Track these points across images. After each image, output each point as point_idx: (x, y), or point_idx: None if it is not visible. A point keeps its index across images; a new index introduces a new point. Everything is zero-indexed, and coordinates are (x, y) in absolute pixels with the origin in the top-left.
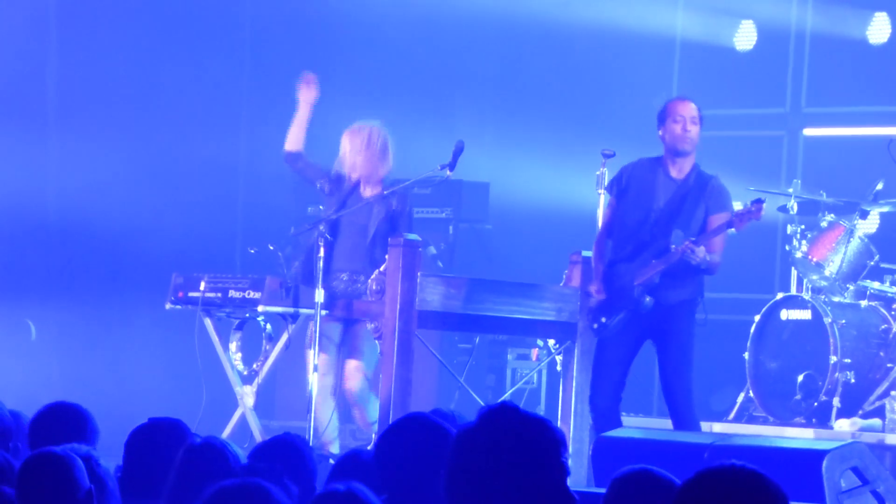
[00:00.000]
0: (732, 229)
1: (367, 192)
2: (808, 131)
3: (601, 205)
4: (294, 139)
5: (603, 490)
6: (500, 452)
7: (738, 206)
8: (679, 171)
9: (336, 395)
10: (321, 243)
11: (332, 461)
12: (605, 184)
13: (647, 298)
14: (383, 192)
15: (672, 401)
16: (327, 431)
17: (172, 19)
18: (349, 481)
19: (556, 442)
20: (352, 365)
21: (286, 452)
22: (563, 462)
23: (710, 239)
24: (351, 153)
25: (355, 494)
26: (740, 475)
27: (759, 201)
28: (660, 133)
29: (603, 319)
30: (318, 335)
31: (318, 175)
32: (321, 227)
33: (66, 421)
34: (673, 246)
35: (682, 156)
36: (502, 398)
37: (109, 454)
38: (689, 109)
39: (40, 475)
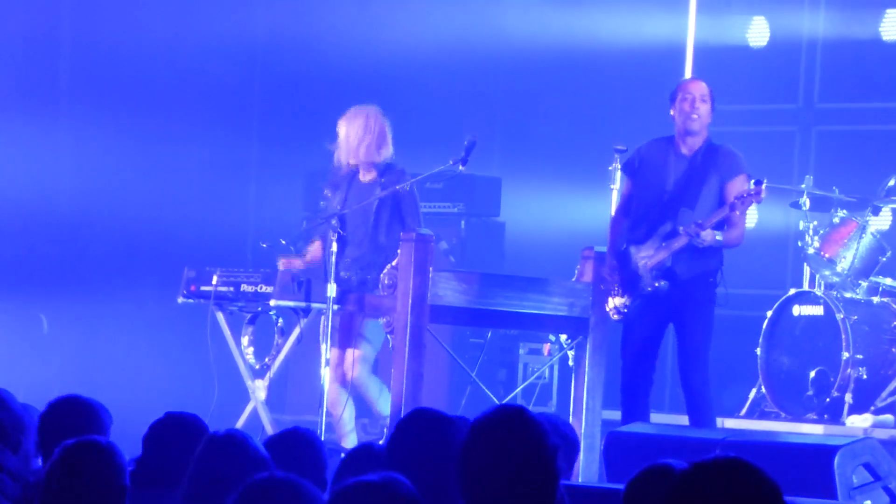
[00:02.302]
0: (737, 212)
1: (367, 178)
2: (821, 127)
3: (614, 200)
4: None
5: (615, 486)
6: (503, 450)
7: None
8: (689, 148)
9: (349, 388)
10: (333, 237)
11: (343, 456)
12: (618, 180)
13: (662, 283)
14: (385, 179)
15: (687, 380)
16: (342, 424)
17: (186, 12)
18: (386, 472)
19: (550, 448)
20: (351, 354)
21: (297, 445)
22: (557, 468)
23: (712, 222)
24: (348, 139)
25: (392, 484)
26: (733, 467)
27: (759, 182)
28: (671, 113)
29: (623, 307)
30: (329, 329)
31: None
32: (333, 222)
33: (76, 414)
34: (680, 228)
35: (691, 135)
36: (513, 393)
37: (124, 449)
38: (699, 88)
39: (81, 462)
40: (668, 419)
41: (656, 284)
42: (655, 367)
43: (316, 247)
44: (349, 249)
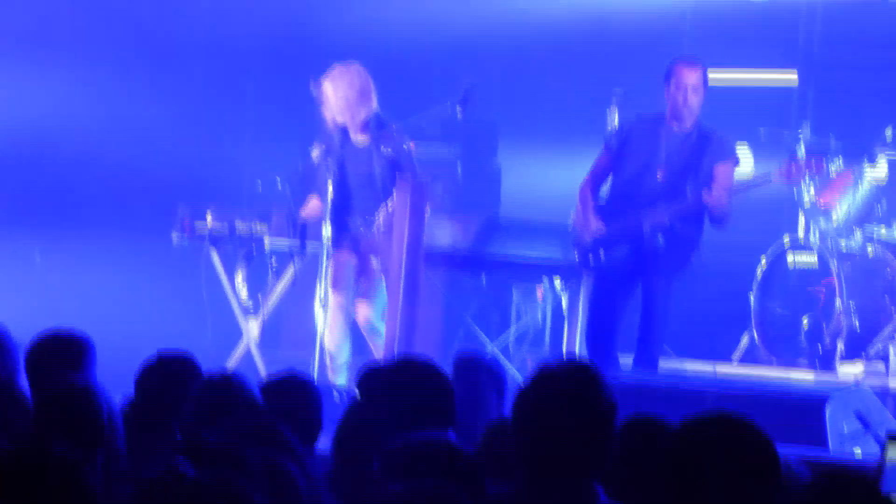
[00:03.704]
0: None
1: (359, 138)
2: (819, 74)
3: None
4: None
5: None
6: (568, 402)
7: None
8: (681, 128)
9: (347, 329)
10: (330, 178)
11: (336, 394)
12: (616, 122)
13: (659, 236)
14: (377, 136)
15: (641, 326)
16: (335, 364)
17: None
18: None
19: (613, 410)
20: (362, 304)
21: (294, 389)
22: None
23: (742, 188)
24: (334, 98)
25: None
26: (725, 422)
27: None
28: (665, 91)
29: (601, 252)
30: (325, 270)
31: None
32: (328, 162)
33: (64, 348)
34: (704, 192)
35: (680, 121)
36: (506, 336)
37: (115, 385)
38: (693, 77)
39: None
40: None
41: (657, 238)
42: (623, 318)
43: (313, 203)
44: (356, 202)
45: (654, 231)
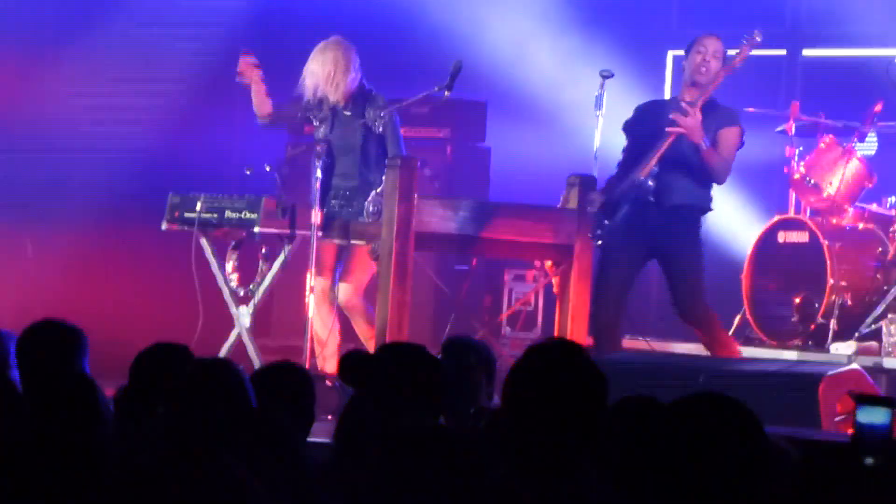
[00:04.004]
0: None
1: (347, 109)
2: (808, 52)
3: (600, 126)
4: (261, 103)
5: None
6: (557, 380)
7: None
8: (692, 98)
9: (336, 316)
10: (318, 164)
11: (328, 382)
12: (602, 104)
13: (650, 182)
14: (365, 108)
15: (691, 319)
16: (325, 352)
17: None
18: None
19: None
20: (344, 285)
21: (286, 378)
22: (605, 400)
23: (700, 102)
24: (319, 71)
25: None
26: (712, 402)
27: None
28: (683, 63)
29: (606, 222)
30: (313, 257)
31: (298, 110)
32: (318, 148)
33: (55, 338)
34: (672, 114)
35: (697, 86)
36: (499, 319)
37: (108, 374)
38: (713, 44)
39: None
40: (659, 345)
41: (648, 183)
42: (627, 297)
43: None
44: (336, 180)
45: (644, 180)
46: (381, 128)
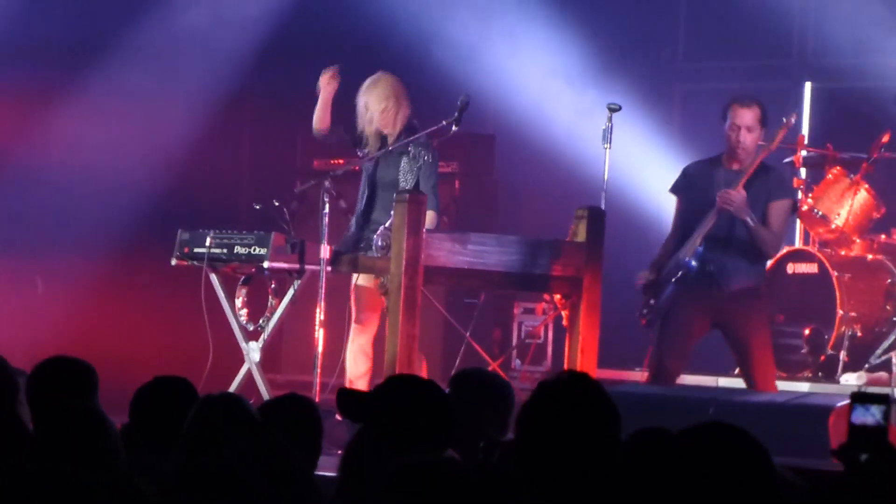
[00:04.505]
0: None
1: (392, 145)
2: (814, 83)
3: (607, 159)
4: (322, 118)
5: None
6: (571, 414)
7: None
8: (739, 164)
9: (370, 363)
10: (326, 199)
11: (338, 417)
12: (610, 138)
13: (693, 262)
14: (406, 145)
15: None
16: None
17: None
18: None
19: (617, 420)
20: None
21: (294, 410)
22: (618, 434)
23: (743, 180)
24: (372, 106)
25: (447, 465)
26: (720, 432)
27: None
28: (723, 129)
29: (651, 302)
30: (322, 291)
31: (351, 136)
32: (326, 183)
33: (67, 375)
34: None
35: (738, 160)
36: (508, 353)
37: (117, 410)
38: (746, 118)
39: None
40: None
41: (692, 264)
42: (687, 362)
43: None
44: (376, 214)
45: (689, 261)
46: (419, 167)
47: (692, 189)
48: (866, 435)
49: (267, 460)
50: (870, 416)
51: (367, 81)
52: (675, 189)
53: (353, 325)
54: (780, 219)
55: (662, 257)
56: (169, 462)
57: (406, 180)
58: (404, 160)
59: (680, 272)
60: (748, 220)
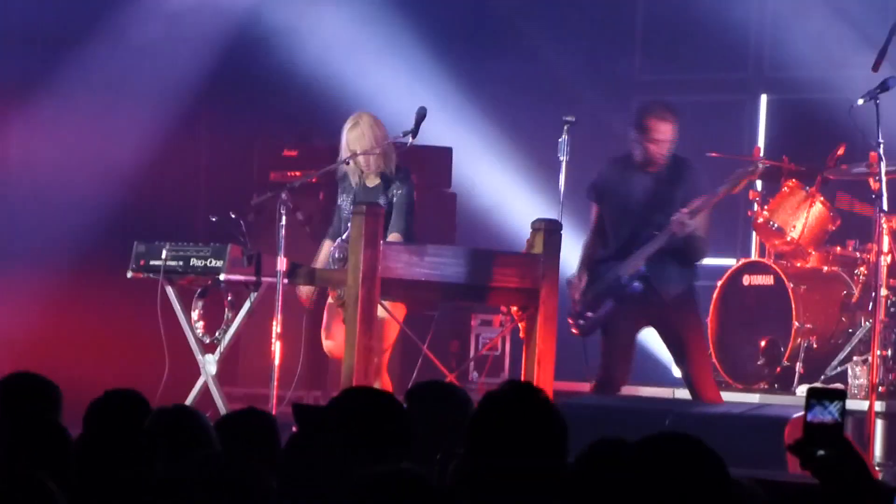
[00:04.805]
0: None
1: (372, 182)
2: (770, 96)
3: (563, 171)
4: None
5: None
6: (519, 422)
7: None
8: (656, 168)
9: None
10: (283, 211)
11: (295, 429)
12: (567, 150)
13: (636, 283)
14: (385, 182)
15: (700, 392)
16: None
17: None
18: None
19: (565, 429)
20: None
21: (251, 425)
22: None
23: (695, 207)
24: (354, 145)
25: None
26: (675, 442)
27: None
28: (633, 136)
29: (589, 314)
30: (279, 304)
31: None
32: (283, 196)
33: (29, 391)
34: (672, 219)
35: (654, 165)
36: (465, 365)
37: (73, 424)
38: (667, 133)
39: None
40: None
41: (634, 284)
42: (632, 367)
43: (325, 251)
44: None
45: (631, 279)
46: (395, 199)
47: (612, 194)
48: (823, 431)
49: (222, 472)
50: (827, 413)
51: (352, 118)
52: (595, 194)
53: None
54: (704, 219)
55: (589, 259)
56: (120, 475)
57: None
58: (378, 195)
59: (622, 290)
60: (698, 234)
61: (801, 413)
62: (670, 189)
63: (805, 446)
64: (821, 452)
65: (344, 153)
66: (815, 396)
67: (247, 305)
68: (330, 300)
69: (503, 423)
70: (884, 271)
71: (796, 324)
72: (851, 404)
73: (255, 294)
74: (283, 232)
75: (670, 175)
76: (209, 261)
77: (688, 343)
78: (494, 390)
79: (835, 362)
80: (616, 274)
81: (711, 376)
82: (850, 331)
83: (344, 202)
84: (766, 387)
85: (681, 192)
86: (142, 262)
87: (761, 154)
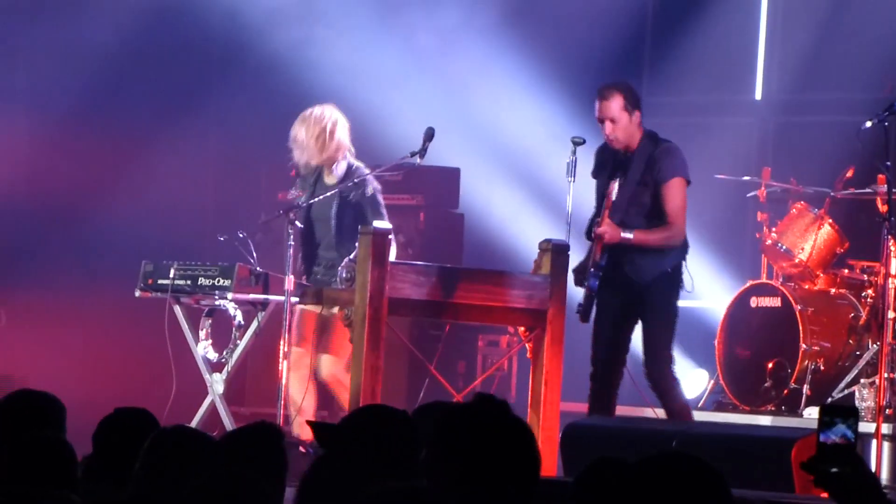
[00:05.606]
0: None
1: (329, 179)
2: (779, 118)
3: (571, 192)
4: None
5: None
6: (481, 438)
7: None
8: (627, 149)
9: (312, 383)
10: (291, 230)
11: (302, 449)
12: (574, 171)
13: (586, 283)
14: (345, 180)
15: (649, 379)
16: (301, 418)
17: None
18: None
19: (529, 442)
20: (326, 358)
21: (258, 440)
22: (534, 457)
23: (603, 219)
24: (305, 140)
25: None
26: (678, 462)
27: None
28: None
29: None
30: (286, 323)
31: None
32: (291, 215)
33: (33, 408)
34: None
35: (624, 147)
36: (473, 385)
37: (81, 442)
38: (607, 110)
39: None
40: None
41: (586, 284)
42: (625, 361)
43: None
44: (321, 250)
45: (592, 274)
46: (356, 198)
47: (600, 172)
48: (837, 449)
49: (227, 492)
50: (840, 431)
51: (308, 110)
52: (593, 173)
53: (294, 350)
54: (674, 202)
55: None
56: (125, 494)
57: (340, 216)
58: (335, 193)
59: (598, 276)
60: (629, 239)
61: (808, 434)
62: (637, 174)
63: (818, 464)
64: (834, 470)
65: (295, 148)
66: (828, 414)
67: (254, 325)
68: (301, 307)
69: (462, 437)
70: (891, 294)
71: (804, 346)
72: (859, 427)
73: (263, 313)
74: (290, 251)
75: (639, 159)
76: (217, 280)
77: (648, 321)
78: (457, 405)
79: (842, 384)
80: (590, 270)
81: (668, 366)
82: (858, 353)
83: (300, 199)
84: (773, 409)
85: (651, 178)
86: (150, 282)
87: (769, 176)
